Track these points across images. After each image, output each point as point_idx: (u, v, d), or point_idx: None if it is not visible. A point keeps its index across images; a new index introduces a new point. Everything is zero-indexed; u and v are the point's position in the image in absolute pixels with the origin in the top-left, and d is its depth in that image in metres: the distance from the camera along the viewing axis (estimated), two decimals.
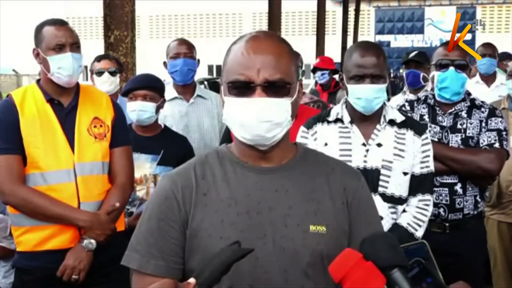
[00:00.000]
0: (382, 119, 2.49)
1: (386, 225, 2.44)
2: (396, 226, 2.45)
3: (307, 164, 1.51)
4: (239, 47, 1.42)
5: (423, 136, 2.51)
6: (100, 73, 3.98)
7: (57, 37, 2.53)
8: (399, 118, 2.51)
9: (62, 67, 2.52)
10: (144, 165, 3.15)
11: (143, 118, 3.17)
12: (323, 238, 1.42)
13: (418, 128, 2.53)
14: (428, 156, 2.52)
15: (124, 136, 2.72)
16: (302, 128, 2.55)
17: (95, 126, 2.60)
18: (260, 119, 1.38)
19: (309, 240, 1.41)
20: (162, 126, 3.33)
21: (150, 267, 1.43)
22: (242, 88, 1.39)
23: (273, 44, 1.43)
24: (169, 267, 1.43)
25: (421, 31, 26.13)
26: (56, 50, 2.53)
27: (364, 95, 2.40)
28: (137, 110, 3.14)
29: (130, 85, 3.22)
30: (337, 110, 2.53)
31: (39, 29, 2.57)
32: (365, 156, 2.44)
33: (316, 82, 7.01)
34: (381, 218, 2.39)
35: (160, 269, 1.42)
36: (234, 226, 1.40)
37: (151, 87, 3.21)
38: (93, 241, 2.51)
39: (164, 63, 3.78)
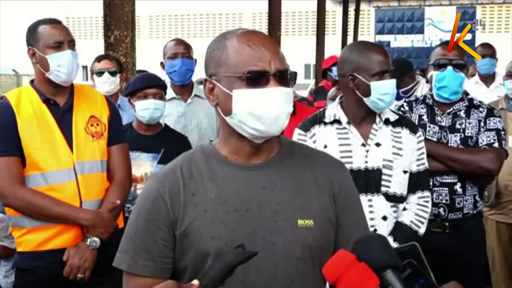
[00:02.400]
0: (378, 119, 2.49)
1: (390, 224, 2.45)
2: (399, 225, 2.47)
3: (293, 158, 1.52)
4: (240, 42, 1.43)
5: (418, 134, 2.53)
6: (100, 73, 3.99)
7: (55, 35, 2.54)
8: (393, 117, 2.51)
9: (62, 64, 2.52)
10: (145, 164, 3.16)
11: (155, 117, 3.19)
12: (311, 232, 1.45)
13: (412, 126, 2.55)
14: (423, 153, 2.55)
15: (120, 134, 2.73)
16: (298, 131, 2.53)
17: (91, 125, 2.60)
18: (279, 108, 1.41)
19: (298, 234, 1.44)
20: (163, 125, 3.34)
21: (139, 268, 1.45)
22: (256, 79, 1.40)
23: (269, 39, 1.47)
24: (158, 267, 1.45)
25: (421, 31, 26.08)
26: (55, 48, 2.53)
27: (390, 90, 2.43)
28: (152, 109, 3.15)
29: (139, 84, 3.22)
30: (333, 111, 2.52)
31: (33, 29, 2.57)
32: (366, 156, 2.44)
33: (316, 81, 6.98)
34: (385, 217, 2.41)
35: (149, 270, 1.44)
36: (224, 225, 1.42)
37: (161, 86, 3.23)
38: (96, 239, 2.52)
39: (162, 63, 3.78)
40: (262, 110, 1.40)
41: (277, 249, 1.42)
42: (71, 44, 2.58)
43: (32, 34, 2.57)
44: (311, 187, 1.49)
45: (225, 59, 1.43)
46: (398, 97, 4.57)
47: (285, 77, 1.42)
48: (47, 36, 2.54)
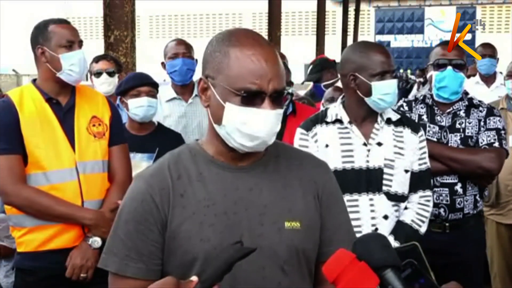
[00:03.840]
0: (379, 118, 2.49)
1: (391, 223, 2.45)
2: (400, 224, 2.47)
3: (279, 160, 1.52)
4: (243, 53, 1.39)
5: (420, 134, 2.54)
6: (98, 74, 3.98)
7: (68, 34, 2.55)
8: (394, 116, 2.52)
9: (75, 63, 2.54)
10: (140, 164, 3.15)
11: (149, 114, 3.20)
12: (297, 234, 1.45)
13: (414, 126, 2.55)
14: (425, 152, 2.55)
15: (121, 134, 2.74)
16: (300, 130, 2.53)
17: (93, 125, 2.61)
18: (269, 130, 1.40)
19: (285, 236, 1.44)
20: (156, 123, 3.34)
21: (130, 270, 1.42)
22: (253, 98, 1.38)
23: (274, 51, 1.43)
24: (149, 269, 1.43)
25: (421, 31, 26.11)
26: (67, 47, 2.54)
27: (392, 90, 2.43)
28: (146, 106, 3.16)
29: (132, 82, 3.23)
30: (335, 110, 2.52)
31: (43, 28, 2.56)
32: (367, 156, 2.45)
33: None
34: (386, 217, 2.42)
35: (140, 272, 1.42)
36: (213, 227, 1.41)
37: (153, 84, 3.24)
38: (98, 239, 2.52)
39: (162, 63, 3.78)
40: (251, 130, 1.39)
41: (264, 252, 1.42)
42: (81, 44, 2.60)
43: (42, 33, 2.56)
44: (297, 188, 1.50)
45: (225, 67, 1.40)
46: (320, 91, 4.87)
47: (280, 97, 1.41)
48: (60, 35, 2.54)
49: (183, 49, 3.73)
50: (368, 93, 2.42)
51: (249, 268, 1.40)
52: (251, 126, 1.39)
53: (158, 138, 3.22)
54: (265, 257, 1.42)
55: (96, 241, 2.52)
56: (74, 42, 2.55)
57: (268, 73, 1.38)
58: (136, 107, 3.16)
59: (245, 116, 1.39)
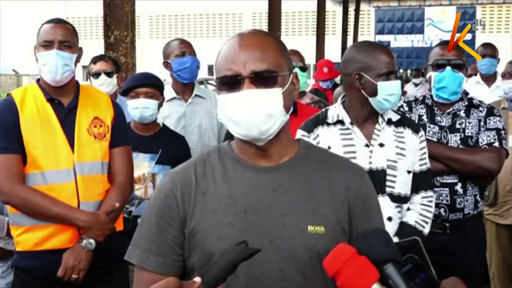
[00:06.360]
0: (380, 119, 2.48)
1: (395, 225, 2.44)
2: (404, 225, 2.45)
3: (308, 162, 1.49)
4: (226, 46, 1.44)
5: (420, 134, 2.53)
6: (96, 75, 3.97)
7: (48, 34, 2.54)
8: (395, 117, 2.50)
9: (46, 63, 2.52)
10: (143, 164, 3.15)
11: (146, 116, 3.18)
12: (321, 239, 1.41)
13: (414, 126, 2.54)
14: (425, 153, 2.54)
15: (123, 136, 2.71)
16: (301, 132, 2.50)
17: (95, 126, 2.60)
18: (251, 110, 1.38)
19: (307, 240, 1.41)
20: (161, 125, 3.33)
21: (150, 264, 1.45)
22: (231, 83, 1.39)
23: (258, 38, 1.44)
24: (167, 264, 1.45)
25: (421, 31, 26.13)
26: (45, 46, 2.53)
27: (396, 90, 2.43)
28: (141, 108, 3.14)
29: (131, 83, 3.22)
30: (336, 111, 2.49)
31: (39, 27, 2.59)
32: (370, 157, 2.43)
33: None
34: (390, 218, 2.40)
35: (159, 266, 1.44)
36: (232, 226, 1.40)
37: (153, 85, 3.22)
38: (92, 241, 2.50)
39: (167, 63, 3.72)
40: (235, 114, 1.39)
41: (283, 253, 1.40)
42: (63, 45, 2.55)
43: (37, 32, 2.59)
44: (324, 192, 1.45)
45: (216, 64, 1.46)
46: None
47: (265, 78, 1.39)
48: (41, 35, 2.55)
49: (190, 47, 3.73)
50: (373, 93, 2.41)
51: (267, 269, 1.39)
52: (233, 110, 1.39)
53: (162, 140, 3.22)
54: (285, 259, 1.40)
55: (89, 243, 2.50)
56: (52, 42, 2.53)
57: (242, 57, 1.38)
58: (132, 109, 3.16)
59: (228, 102, 1.40)
